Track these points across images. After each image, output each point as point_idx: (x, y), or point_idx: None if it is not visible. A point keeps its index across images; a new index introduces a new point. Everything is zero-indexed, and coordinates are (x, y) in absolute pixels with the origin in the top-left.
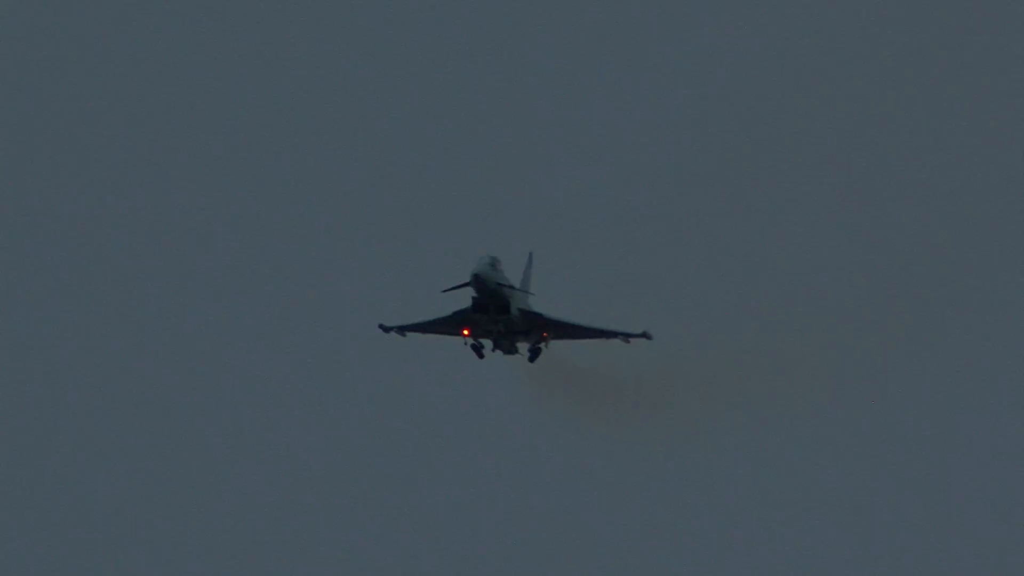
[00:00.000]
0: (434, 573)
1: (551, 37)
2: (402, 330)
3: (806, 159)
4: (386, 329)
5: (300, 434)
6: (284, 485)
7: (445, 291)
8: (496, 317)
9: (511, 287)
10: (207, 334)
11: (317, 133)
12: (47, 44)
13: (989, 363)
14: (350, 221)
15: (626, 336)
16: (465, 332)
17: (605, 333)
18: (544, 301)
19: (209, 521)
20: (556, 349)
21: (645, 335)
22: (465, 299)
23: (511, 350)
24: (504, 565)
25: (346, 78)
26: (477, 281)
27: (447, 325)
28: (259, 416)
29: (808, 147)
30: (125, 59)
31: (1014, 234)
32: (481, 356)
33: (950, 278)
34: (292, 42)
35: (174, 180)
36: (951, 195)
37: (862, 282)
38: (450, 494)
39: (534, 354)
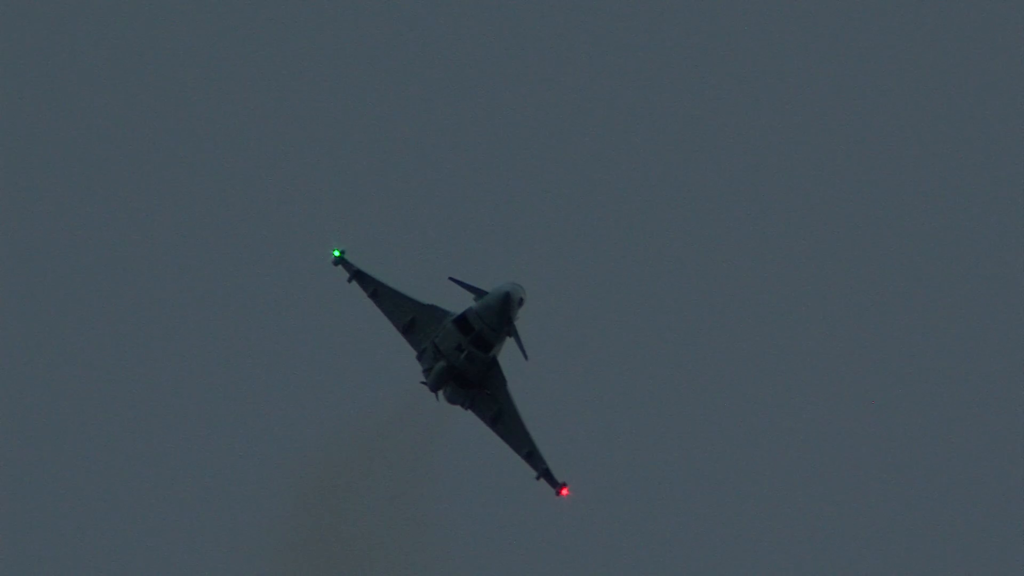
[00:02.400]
0: None
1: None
2: (358, 275)
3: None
4: (347, 264)
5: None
6: None
7: (453, 279)
8: (469, 347)
9: (511, 333)
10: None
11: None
12: None
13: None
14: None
15: (546, 478)
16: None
17: (532, 457)
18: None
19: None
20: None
21: (560, 490)
22: (453, 302)
23: (437, 386)
24: None
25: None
26: (501, 302)
27: (406, 311)
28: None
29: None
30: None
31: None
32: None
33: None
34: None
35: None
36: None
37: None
38: None
39: (453, 402)
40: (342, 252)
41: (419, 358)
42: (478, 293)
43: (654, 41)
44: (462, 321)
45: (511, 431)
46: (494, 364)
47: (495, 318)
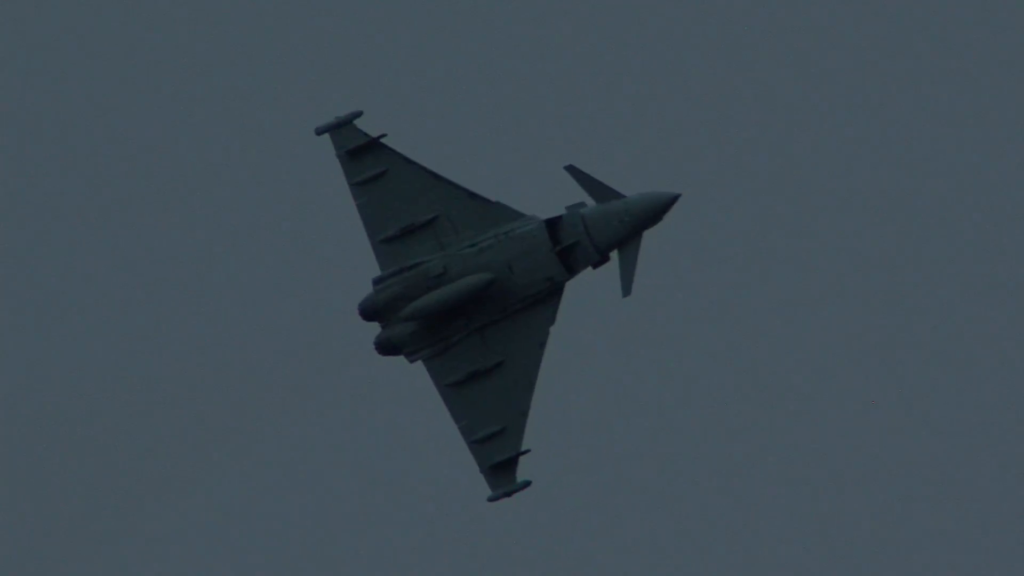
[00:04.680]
0: None
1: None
2: (359, 151)
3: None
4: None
5: None
6: None
7: (573, 168)
8: (554, 259)
9: (629, 257)
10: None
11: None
12: None
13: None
14: None
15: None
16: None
17: (501, 439)
18: None
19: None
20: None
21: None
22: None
23: (430, 314)
24: None
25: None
26: (662, 208)
27: (432, 203)
28: None
29: None
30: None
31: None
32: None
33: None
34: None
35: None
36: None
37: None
38: None
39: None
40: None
41: (386, 279)
42: (603, 193)
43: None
44: (552, 228)
45: (497, 396)
46: (558, 293)
47: (621, 230)
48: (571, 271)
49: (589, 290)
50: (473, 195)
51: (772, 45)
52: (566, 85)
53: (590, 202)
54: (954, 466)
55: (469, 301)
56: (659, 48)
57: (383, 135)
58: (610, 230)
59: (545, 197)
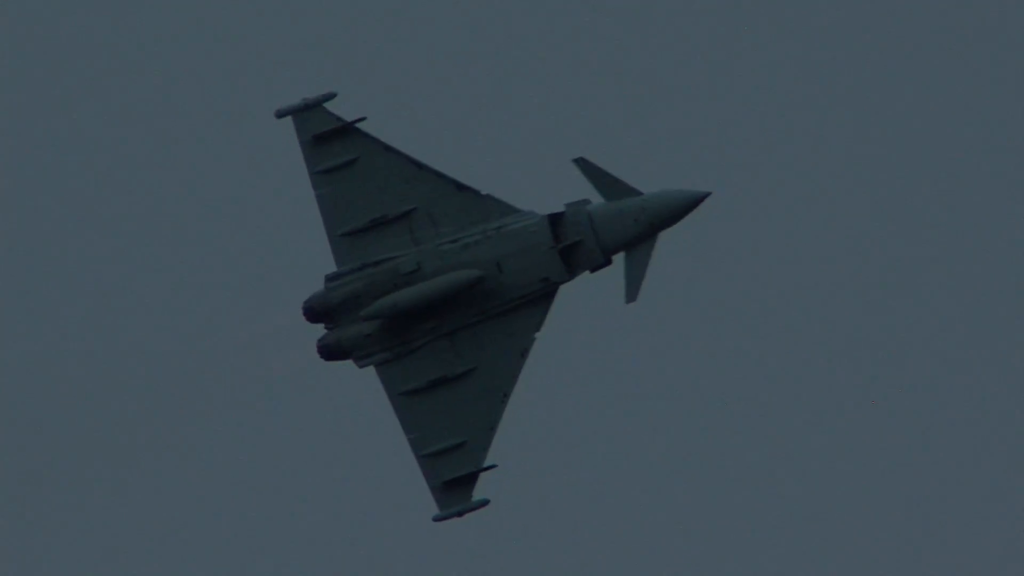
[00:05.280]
0: None
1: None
2: (334, 133)
3: None
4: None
5: None
6: None
7: (583, 161)
8: (556, 256)
9: (640, 262)
10: None
11: None
12: None
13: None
14: None
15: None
16: None
17: (459, 453)
18: None
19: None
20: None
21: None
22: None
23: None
24: None
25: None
26: (687, 206)
27: (411, 194)
28: None
29: None
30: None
31: None
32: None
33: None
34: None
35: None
36: None
37: None
38: None
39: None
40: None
41: (344, 276)
42: (615, 190)
43: None
44: (554, 224)
45: (462, 407)
46: (550, 296)
47: (634, 230)
48: (571, 273)
49: (581, 295)
50: (462, 187)
51: (798, 36)
52: (566, 71)
53: (595, 199)
54: (962, 469)
55: (447, 300)
56: (676, 28)
57: (361, 119)
58: (621, 229)
59: (538, 192)
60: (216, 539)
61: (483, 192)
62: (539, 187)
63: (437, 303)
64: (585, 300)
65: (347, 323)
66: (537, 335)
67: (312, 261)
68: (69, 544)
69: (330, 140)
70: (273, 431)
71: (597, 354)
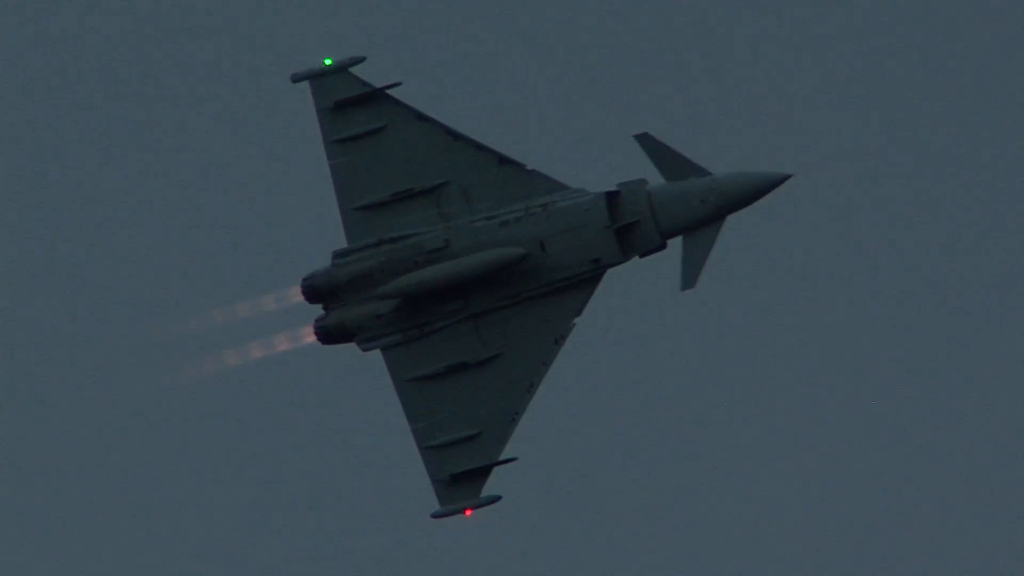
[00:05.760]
0: None
1: None
2: (385, 89)
3: None
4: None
5: None
6: None
7: (647, 137)
8: (611, 236)
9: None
10: None
11: None
12: None
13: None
14: None
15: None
16: None
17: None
18: None
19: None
20: None
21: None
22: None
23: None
24: None
25: None
26: (766, 188)
27: (445, 165)
28: None
29: None
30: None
31: None
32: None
33: None
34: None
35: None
36: None
37: None
38: None
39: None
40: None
41: (356, 252)
42: (680, 170)
43: None
44: (610, 203)
45: (481, 395)
46: (597, 279)
47: (699, 212)
48: (624, 255)
49: (627, 280)
50: (504, 160)
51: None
52: (622, 37)
53: (652, 179)
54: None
55: (480, 280)
56: None
57: (393, 84)
58: (684, 211)
59: (581, 170)
60: (205, 531)
61: (528, 167)
62: (583, 165)
63: (469, 283)
64: (631, 285)
65: (354, 303)
66: (576, 321)
67: (309, 236)
68: (71, 539)
69: (354, 107)
70: (261, 417)
71: (641, 344)
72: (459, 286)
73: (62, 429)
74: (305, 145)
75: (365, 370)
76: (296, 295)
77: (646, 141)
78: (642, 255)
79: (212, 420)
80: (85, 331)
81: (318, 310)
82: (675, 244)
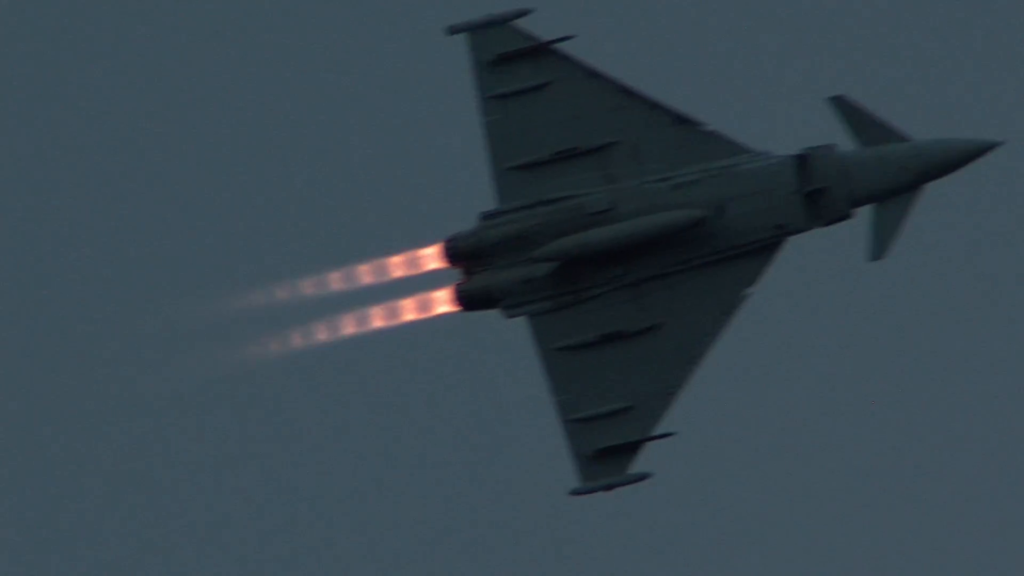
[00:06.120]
0: None
1: None
2: (554, 43)
3: None
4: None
5: None
6: None
7: (843, 99)
8: (798, 201)
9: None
10: None
11: None
12: None
13: None
14: None
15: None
16: None
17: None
18: None
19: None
20: None
21: None
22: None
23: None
24: None
25: None
26: (970, 156)
27: (614, 124)
28: None
29: None
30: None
31: None
32: None
33: None
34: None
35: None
36: None
37: None
38: None
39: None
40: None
41: (507, 213)
42: (876, 135)
43: None
44: (800, 166)
45: (637, 367)
46: (776, 247)
47: (897, 179)
48: (811, 222)
49: (805, 249)
50: (681, 119)
51: None
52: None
53: (843, 145)
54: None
55: (650, 244)
56: None
57: (564, 38)
58: (879, 178)
59: (760, 134)
60: (335, 504)
61: (706, 128)
62: (759, 128)
63: (637, 246)
64: (809, 254)
65: (501, 267)
66: (750, 291)
67: (448, 196)
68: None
69: (516, 61)
70: (390, 383)
71: (818, 317)
72: (625, 250)
73: (186, 390)
74: (445, 102)
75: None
76: (427, 258)
77: (841, 104)
78: (826, 223)
79: (334, 386)
80: (218, 287)
81: (433, 277)
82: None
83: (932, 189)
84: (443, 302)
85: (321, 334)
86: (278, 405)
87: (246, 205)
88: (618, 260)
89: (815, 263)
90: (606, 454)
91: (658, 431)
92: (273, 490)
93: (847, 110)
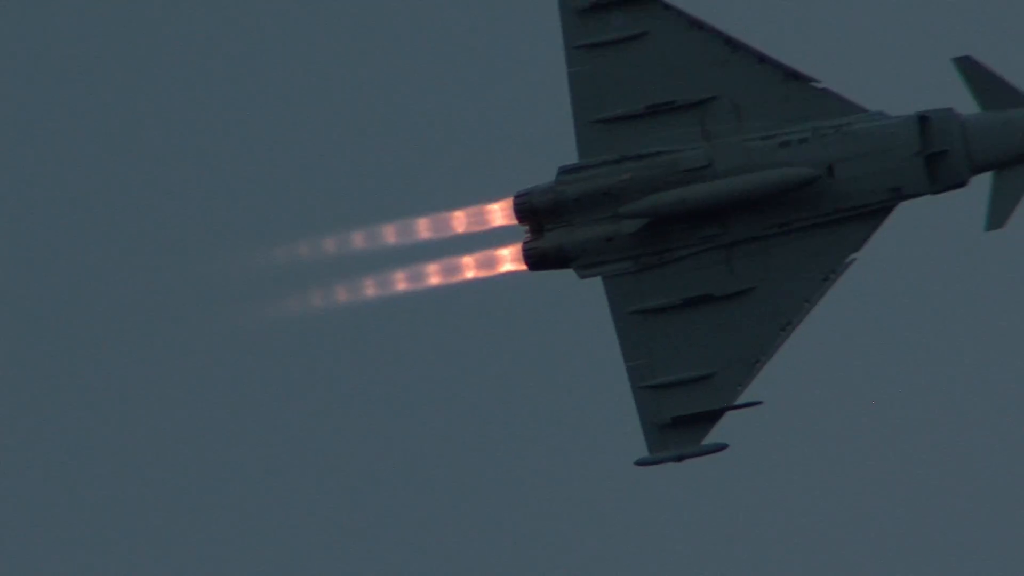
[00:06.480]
0: None
1: None
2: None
3: None
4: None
5: None
6: None
7: (968, 60)
8: (921, 165)
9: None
10: None
11: None
12: None
13: None
14: None
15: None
16: None
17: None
18: None
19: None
20: None
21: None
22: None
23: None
24: None
25: None
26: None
27: (719, 78)
28: None
29: None
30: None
31: None
32: None
33: None
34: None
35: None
36: None
37: None
38: None
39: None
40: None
41: (590, 168)
42: (1004, 99)
43: None
44: (922, 128)
45: (721, 332)
46: (886, 212)
47: (1022, 146)
48: (928, 186)
49: (912, 215)
50: (792, 75)
51: None
52: None
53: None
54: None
55: (752, 203)
56: None
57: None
58: (1004, 144)
59: (872, 95)
60: (401, 465)
61: (819, 85)
62: (869, 89)
63: (738, 205)
64: (917, 222)
65: (580, 224)
66: (855, 257)
67: (514, 150)
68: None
69: (612, 10)
70: (453, 343)
71: (926, 289)
72: (724, 209)
73: (259, 341)
74: (525, 51)
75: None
76: (493, 213)
77: (967, 65)
78: (941, 190)
79: (386, 344)
80: (284, 239)
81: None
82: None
83: None
84: (507, 260)
85: (372, 289)
86: (322, 361)
87: (323, 152)
88: (716, 219)
89: (924, 230)
90: (681, 423)
91: (742, 401)
92: (323, 453)
93: (973, 72)
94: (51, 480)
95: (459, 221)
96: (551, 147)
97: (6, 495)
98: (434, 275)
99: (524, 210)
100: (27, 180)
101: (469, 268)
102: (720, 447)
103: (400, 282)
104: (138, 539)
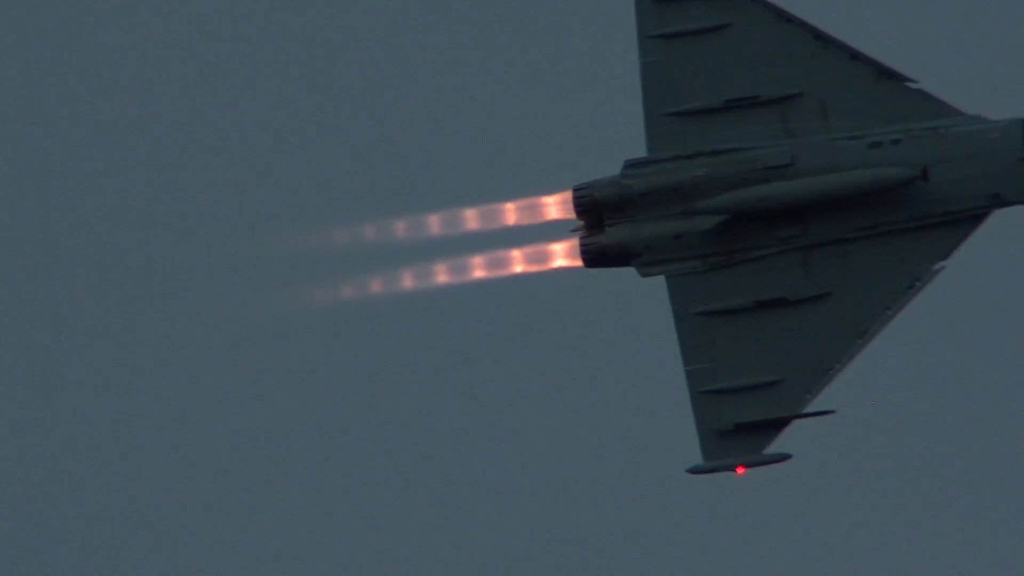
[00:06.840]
0: None
1: None
2: None
3: None
4: None
5: None
6: None
7: None
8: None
9: None
10: None
11: None
12: None
13: None
14: None
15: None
16: None
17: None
18: None
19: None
20: None
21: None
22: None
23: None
24: None
25: None
26: None
27: (804, 73)
28: None
29: None
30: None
31: None
32: None
33: None
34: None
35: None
36: None
37: None
38: None
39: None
40: None
41: (660, 163)
42: None
43: None
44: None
45: (792, 338)
46: (980, 219)
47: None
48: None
49: (1004, 224)
50: (886, 74)
51: None
52: None
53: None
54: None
55: (841, 204)
56: None
57: None
58: None
59: (974, 97)
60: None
61: (914, 85)
62: (971, 92)
63: (827, 205)
64: (1008, 231)
65: (646, 220)
66: (943, 265)
67: (572, 142)
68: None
69: (688, 0)
70: (501, 339)
71: (1013, 300)
72: (806, 209)
73: (299, 330)
74: (593, 40)
75: None
76: (548, 206)
77: None
78: None
79: (432, 336)
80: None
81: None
82: None
83: None
84: (559, 255)
85: (410, 281)
86: (358, 352)
87: (377, 136)
88: (796, 219)
89: (1016, 241)
90: (744, 430)
91: (810, 409)
92: (367, 441)
93: None
94: (71, 467)
95: (509, 213)
96: (602, 140)
97: (26, 483)
98: (478, 268)
99: (585, 204)
100: (41, 166)
101: (518, 262)
102: (783, 457)
103: (441, 274)
104: (170, 521)
